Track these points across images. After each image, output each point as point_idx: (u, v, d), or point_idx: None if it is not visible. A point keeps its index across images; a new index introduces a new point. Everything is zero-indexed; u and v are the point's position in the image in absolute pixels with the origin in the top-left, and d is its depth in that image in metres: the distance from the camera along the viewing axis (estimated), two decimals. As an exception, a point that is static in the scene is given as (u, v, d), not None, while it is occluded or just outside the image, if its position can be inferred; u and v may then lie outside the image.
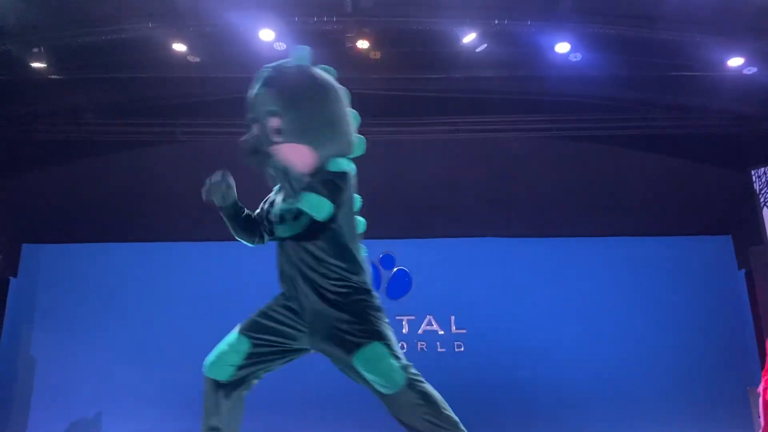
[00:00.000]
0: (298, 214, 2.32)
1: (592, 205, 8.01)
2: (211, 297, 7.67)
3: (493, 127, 7.86)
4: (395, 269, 7.96)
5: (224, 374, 2.33)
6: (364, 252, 2.51)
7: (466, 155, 8.03)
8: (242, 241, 2.55)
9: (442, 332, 7.70)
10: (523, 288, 7.77)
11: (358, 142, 2.57)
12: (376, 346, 2.24)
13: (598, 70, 6.90)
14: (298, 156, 2.32)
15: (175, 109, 7.77)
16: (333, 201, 2.22)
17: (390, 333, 2.33)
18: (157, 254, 7.91)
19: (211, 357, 2.37)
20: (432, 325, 7.72)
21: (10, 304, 7.67)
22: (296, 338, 2.39)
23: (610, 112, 7.78)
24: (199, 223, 7.86)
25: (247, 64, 6.69)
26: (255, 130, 2.37)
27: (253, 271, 7.80)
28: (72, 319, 7.69)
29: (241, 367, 2.33)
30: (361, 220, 2.55)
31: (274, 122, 2.34)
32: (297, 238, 2.37)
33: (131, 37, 6.38)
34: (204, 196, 2.40)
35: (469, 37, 6.46)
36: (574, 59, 6.70)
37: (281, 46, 6.35)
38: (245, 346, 2.34)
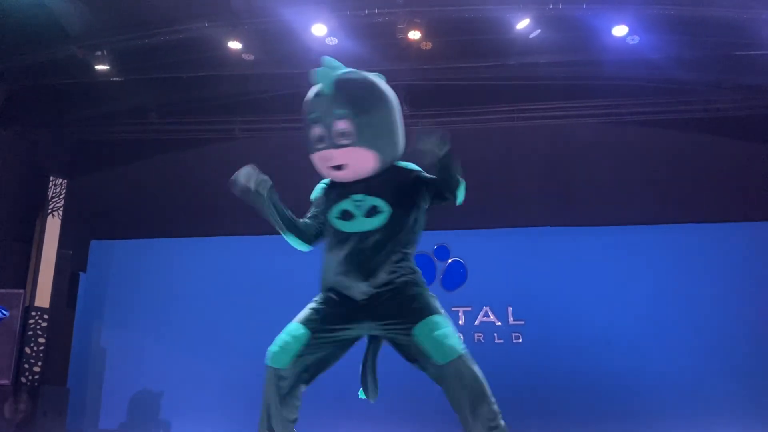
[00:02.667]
0: (372, 209, 2.44)
1: (655, 191, 7.77)
2: (275, 290, 7.81)
3: (550, 114, 7.72)
4: (450, 260, 7.93)
5: (283, 362, 2.38)
6: None
7: (522, 143, 7.91)
8: (294, 242, 2.67)
9: (500, 323, 7.63)
10: (582, 278, 7.61)
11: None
12: (435, 317, 2.35)
13: (657, 52, 6.66)
14: (363, 159, 2.45)
15: (232, 107, 7.93)
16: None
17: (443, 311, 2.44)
18: (222, 248, 8.10)
19: (272, 347, 2.44)
20: (489, 316, 7.66)
21: (80, 298, 8.01)
22: (352, 325, 2.46)
23: (672, 95, 7.53)
24: (261, 218, 8.03)
25: (299, 60, 6.79)
26: (317, 131, 2.47)
27: (314, 264, 7.96)
28: (140, 313, 7.98)
29: (299, 356, 2.38)
30: None
31: (342, 125, 2.40)
32: (377, 231, 2.44)
33: (188, 38, 6.53)
34: (240, 187, 2.56)
35: (523, 23, 6.35)
36: (632, 42, 6.50)
37: (333, 41, 6.39)
38: (304, 335, 2.40)
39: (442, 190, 2.48)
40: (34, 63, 6.82)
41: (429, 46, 6.54)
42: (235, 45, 6.60)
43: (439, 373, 2.28)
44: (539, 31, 6.41)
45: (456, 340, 2.30)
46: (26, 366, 7.08)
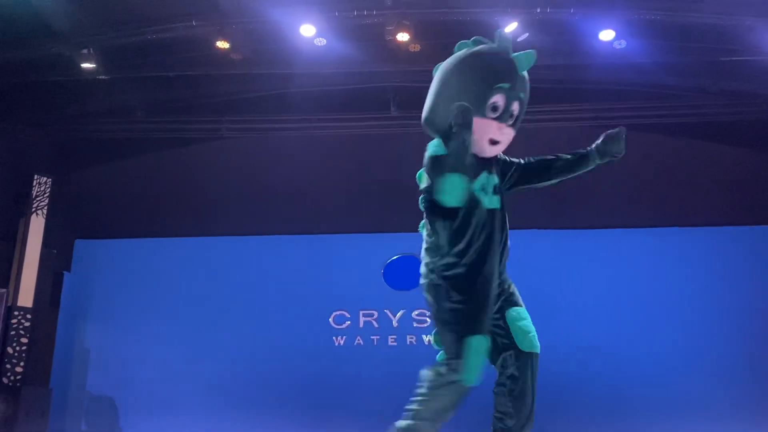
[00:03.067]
0: (495, 188, 2.50)
1: (639, 195, 7.84)
2: (261, 290, 7.81)
3: (537, 117, 7.72)
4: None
5: (479, 380, 2.34)
6: None
7: (509, 146, 7.93)
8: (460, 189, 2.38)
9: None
10: (568, 280, 7.65)
11: None
12: (524, 309, 2.51)
13: (644, 56, 6.72)
14: (508, 143, 2.53)
15: (219, 106, 7.90)
16: None
17: None
18: (208, 248, 8.06)
19: (472, 369, 2.29)
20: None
21: (64, 298, 7.94)
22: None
23: (658, 100, 7.58)
24: (245, 218, 8.01)
25: (288, 61, 6.78)
26: (498, 100, 2.40)
27: (293, 263, 7.96)
28: (124, 312, 7.93)
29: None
30: None
31: (517, 107, 2.47)
32: (500, 211, 2.51)
33: (176, 36, 6.51)
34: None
35: (511, 27, 6.37)
36: (618, 46, 6.55)
37: (321, 41, 6.38)
38: (488, 344, 2.36)
39: (559, 172, 2.65)
40: (19, 60, 6.76)
41: (417, 48, 6.55)
42: (223, 44, 6.57)
43: (518, 359, 2.37)
44: (527, 34, 6.44)
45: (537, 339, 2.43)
46: (8, 366, 7.00)
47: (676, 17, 6.22)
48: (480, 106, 2.36)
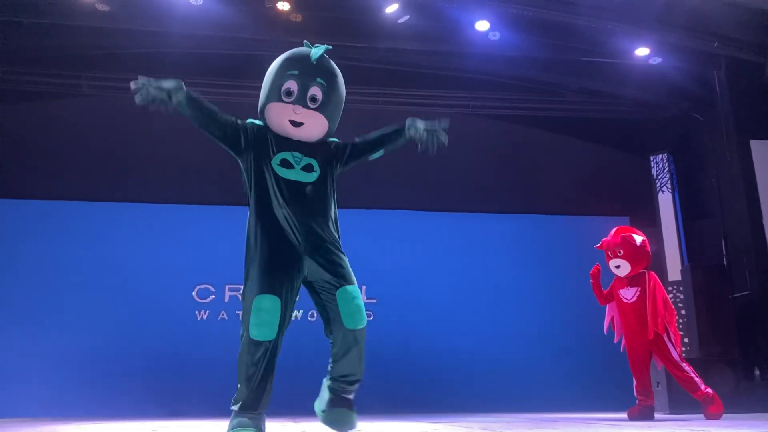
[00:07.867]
0: (308, 166, 2.73)
1: (501, 182, 8.27)
2: (118, 259, 7.44)
3: (412, 101, 7.90)
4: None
5: (271, 333, 2.49)
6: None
7: (382, 126, 8.05)
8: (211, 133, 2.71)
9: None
10: (432, 260, 7.96)
11: None
12: (356, 287, 2.70)
13: (516, 50, 7.04)
14: (319, 126, 2.78)
15: (81, 61, 7.32)
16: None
17: None
18: (62, 212, 7.52)
19: (254, 321, 2.50)
20: (343, 294, 7.77)
21: None
22: (301, 274, 2.64)
23: (526, 93, 7.99)
24: (104, 183, 7.53)
25: (159, 19, 6.42)
26: (291, 85, 2.69)
27: (157, 233, 7.62)
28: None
29: (280, 324, 2.52)
30: None
31: (316, 91, 2.73)
32: (313, 185, 2.73)
33: (34, -20, 5.95)
34: (142, 100, 2.51)
35: (392, 8, 6.44)
36: (493, 38, 6.81)
37: (198, 0, 6.09)
38: (277, 303, 2.52)
39: (377, 145, 2.99)
40: None
41: (299, 18, 6.45)
42: (87, -6, 6.10)
43: (344, 335, 2.59)
44: (408, 17, 6.53)
45: (365, 313, 2.67)
46: None
47: (547, 15, 6.56)
48: (275, 93, 2.73)
